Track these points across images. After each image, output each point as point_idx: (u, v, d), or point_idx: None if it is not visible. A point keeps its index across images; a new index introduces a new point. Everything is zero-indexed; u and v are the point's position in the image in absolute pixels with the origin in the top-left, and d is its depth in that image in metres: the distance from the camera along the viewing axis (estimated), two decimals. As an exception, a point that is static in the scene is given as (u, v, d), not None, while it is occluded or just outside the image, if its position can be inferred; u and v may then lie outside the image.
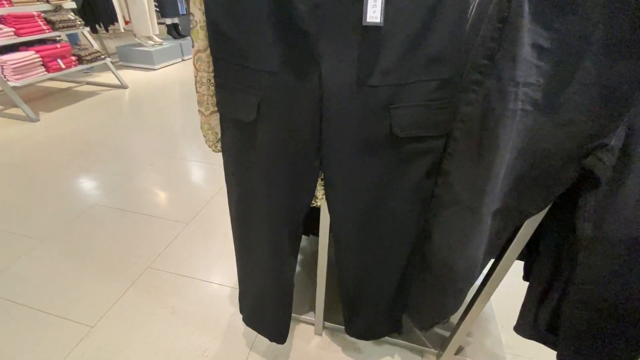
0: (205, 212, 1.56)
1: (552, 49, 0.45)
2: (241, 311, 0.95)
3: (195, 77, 0.59)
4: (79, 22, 2.69)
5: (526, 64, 0.46)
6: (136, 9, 3.42)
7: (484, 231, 0.62)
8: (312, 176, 0.64)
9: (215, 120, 0.65)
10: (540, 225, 0.63)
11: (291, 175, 0.63)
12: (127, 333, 1.03)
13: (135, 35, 3.70)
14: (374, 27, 0.47)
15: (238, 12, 0.49)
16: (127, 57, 3.74)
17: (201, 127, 0.66)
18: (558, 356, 0.71)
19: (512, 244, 0.67)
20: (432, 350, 0.98)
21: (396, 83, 0.51)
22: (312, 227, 1.02)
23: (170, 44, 3.90)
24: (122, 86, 3.13)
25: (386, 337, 0.98)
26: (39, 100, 2.80)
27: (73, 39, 3.25)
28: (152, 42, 3.77)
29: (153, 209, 1.57)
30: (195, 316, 1.09)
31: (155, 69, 3.71)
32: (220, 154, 0.84)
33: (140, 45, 3.72)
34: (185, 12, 4.12)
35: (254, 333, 1.04)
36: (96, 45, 2.92)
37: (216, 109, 0.63)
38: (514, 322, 0.81)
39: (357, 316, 0.88)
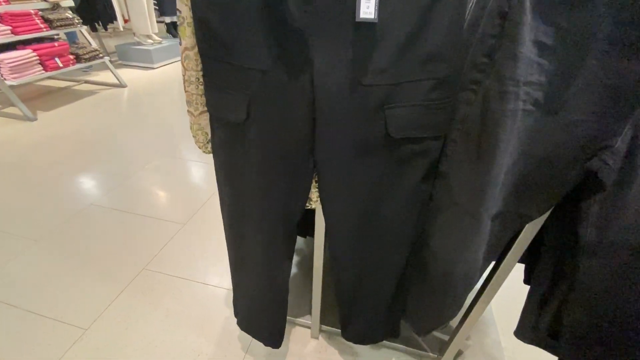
0: (201, 213, 1.55)
1: (555, 46, 0.43)
2: (236, 315, 0.93)
3: (184, 76, 0.57)
4: (76, 21, 2.68)
5: (528, 61, 0.44)
6: (135, 7, 3.40)
7: (483, 235, 0.60)
8: (306, 178, 0.62)
9: (205, 120, 0.63)
10: (542, 228, 0.61)
11: (284, 177, 0.61)
12: (121, 335, 1.02)
13: (134, 33, 3.69)
14: (368, 24, 0.45)
15: (226, 8, 0.47)
16: (126, 56, 3.73)
17: (191, 128, 0.64)
18: (559, 362, 0.69)
19: (513, 247, 0.65)
20: (431, 354, 0.96)
21: (391, 82, 0.49)
22: (309, 228, 1.00)
23: (169, 42, 3.88)
24: (121, 85, 3.12)
25: (384, 341, 0.97)
26: (37, 99, 2.79)
27: (71, 38, 3.23)
28: (151, 41, 3.75)
29: (149, 210, 1.56)
30: (191, 318, 1.07)
31: (154, 68, 3.69)
32: (214, 154, 0.82)
33: (139, 43, 3.71)
34: (184, 11, 4.10)
35: (249, 336, 1.02)
36: (94, 44, 2.91)
37: (206, 108, 0.61)
38: (514, 326, 0.79)
39: (353, 320, 0.86)
